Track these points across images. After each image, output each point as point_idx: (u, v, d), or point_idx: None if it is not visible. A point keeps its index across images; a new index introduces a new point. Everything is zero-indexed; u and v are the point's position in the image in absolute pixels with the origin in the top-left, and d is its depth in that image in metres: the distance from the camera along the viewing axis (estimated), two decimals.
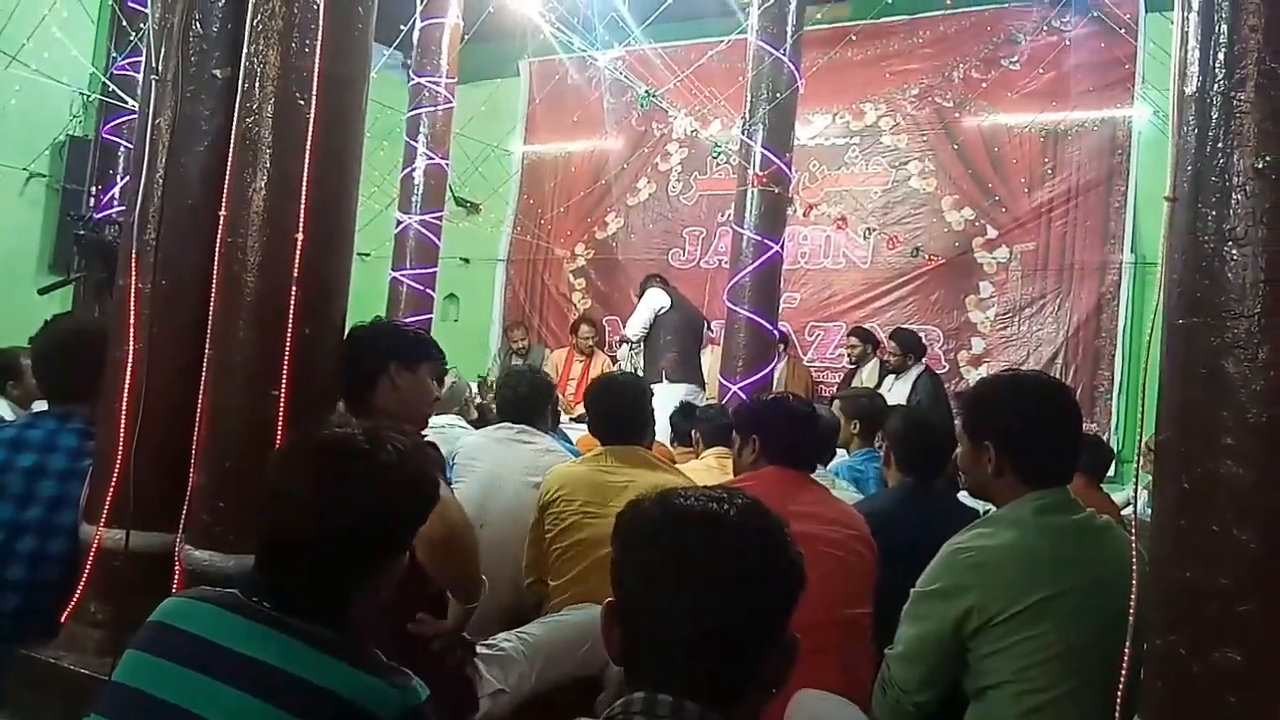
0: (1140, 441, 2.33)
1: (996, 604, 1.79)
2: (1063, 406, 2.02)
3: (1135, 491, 2.60)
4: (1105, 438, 6.37)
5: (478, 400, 5.23)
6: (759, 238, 5.12)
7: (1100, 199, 7.03)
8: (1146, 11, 6.64)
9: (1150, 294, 1.42)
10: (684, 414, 4.44)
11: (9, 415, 3.17)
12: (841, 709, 1.95)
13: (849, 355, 6.86)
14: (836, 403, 4.24)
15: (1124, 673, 1.40)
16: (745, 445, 2.59)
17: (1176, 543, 1.26)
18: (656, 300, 6.30)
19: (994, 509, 2.10)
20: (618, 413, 2.93)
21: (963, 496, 3.43)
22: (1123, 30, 6.55)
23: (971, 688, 1.87)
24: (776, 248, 5.17)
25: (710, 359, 6.34)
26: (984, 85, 7.39)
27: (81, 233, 4.22)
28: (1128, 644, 1.40)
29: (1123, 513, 3.79)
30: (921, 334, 6.79)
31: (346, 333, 2.28)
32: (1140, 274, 6.74)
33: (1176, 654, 1.23)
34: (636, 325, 6.31)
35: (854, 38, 7.02)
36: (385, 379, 2.21)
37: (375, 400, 2.19)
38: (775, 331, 5.36)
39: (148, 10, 2.37)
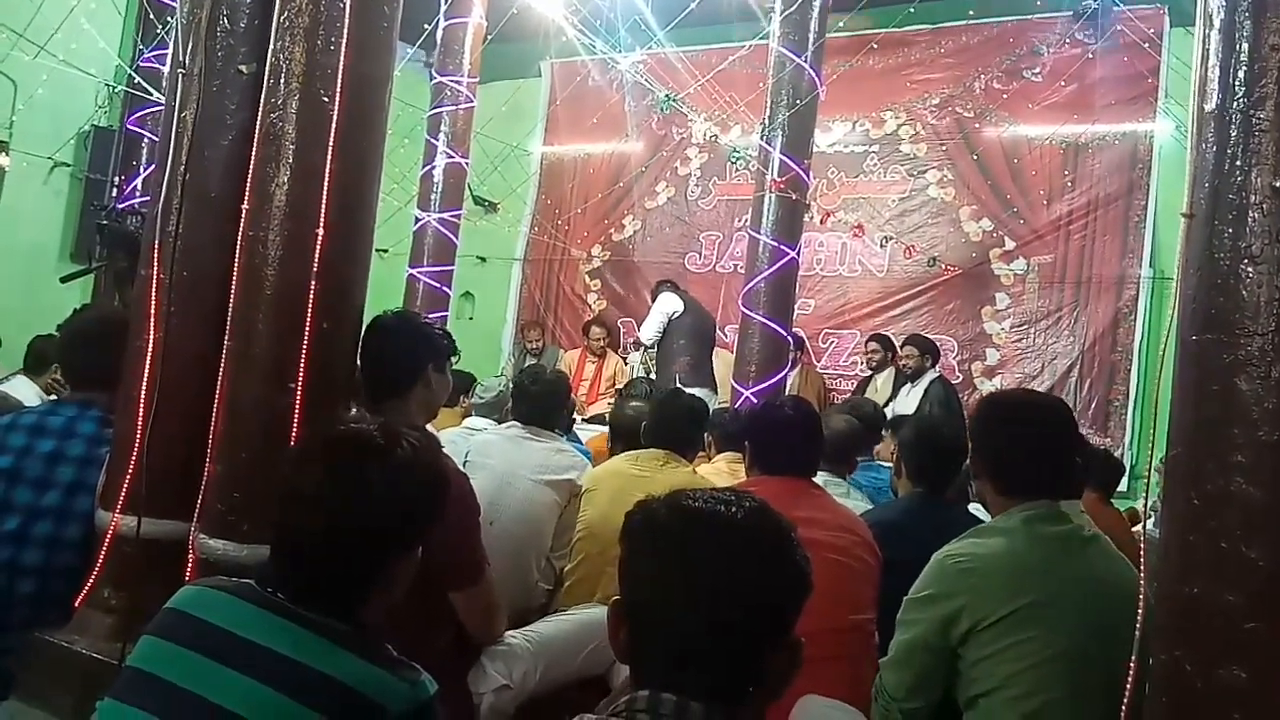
0: (1151, 456, 2.35)
1: (985, 608, 1.83)
2: (1040, 426, 2.04)
3: (1145, 507, 2.60)
4: (1119, 453, 6.34)
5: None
6: (775, 243, 5.12)
7: (1120, 213, 7.00)
8: (1171, 26, 6.62)
9: (1167, 310, 1.42)
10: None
11: (34, 401, 3.22)
12: (846, 716, 1.95)
13: (869, 361, 6.80)
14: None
15: (1129, 688, 1.40)
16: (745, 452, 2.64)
17: (1184, 559, 1.25)
18: (670, 305, 6.31)
19: None
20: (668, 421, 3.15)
21: (973, 508, 3.42)
22: (1146, 45, 6.52)
23: (963, 697, 1.88)
24: (793, 254, 5.17)
25: (721, 363, 6.34)
26: (1005, 96, 7.38)
27: (104, 222, 4.26)
28: (1133, 659, 1.39)
29: (1134, 529, 3.77)
30: (937, 344, 6.77)
31: (371, 326, 2.29)
32: (1158, 289, 6.71)
33: (1182, 670, 1.22)
34: (650, 330, 6.33)
35: (875, 46, 7.01)
36: (421, 383, 2.24)
37: (405, 401, 2.21)
38: (789, 338, 5.36)
39: (175, 4, 2.40)
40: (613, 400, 6.04)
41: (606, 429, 5.37)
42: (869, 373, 6.85)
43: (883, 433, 4.51)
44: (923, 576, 1.94)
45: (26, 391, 3.82)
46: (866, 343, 6.95)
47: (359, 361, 2.26)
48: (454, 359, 2.39)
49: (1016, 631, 1.80)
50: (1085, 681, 1.75)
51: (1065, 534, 1.93)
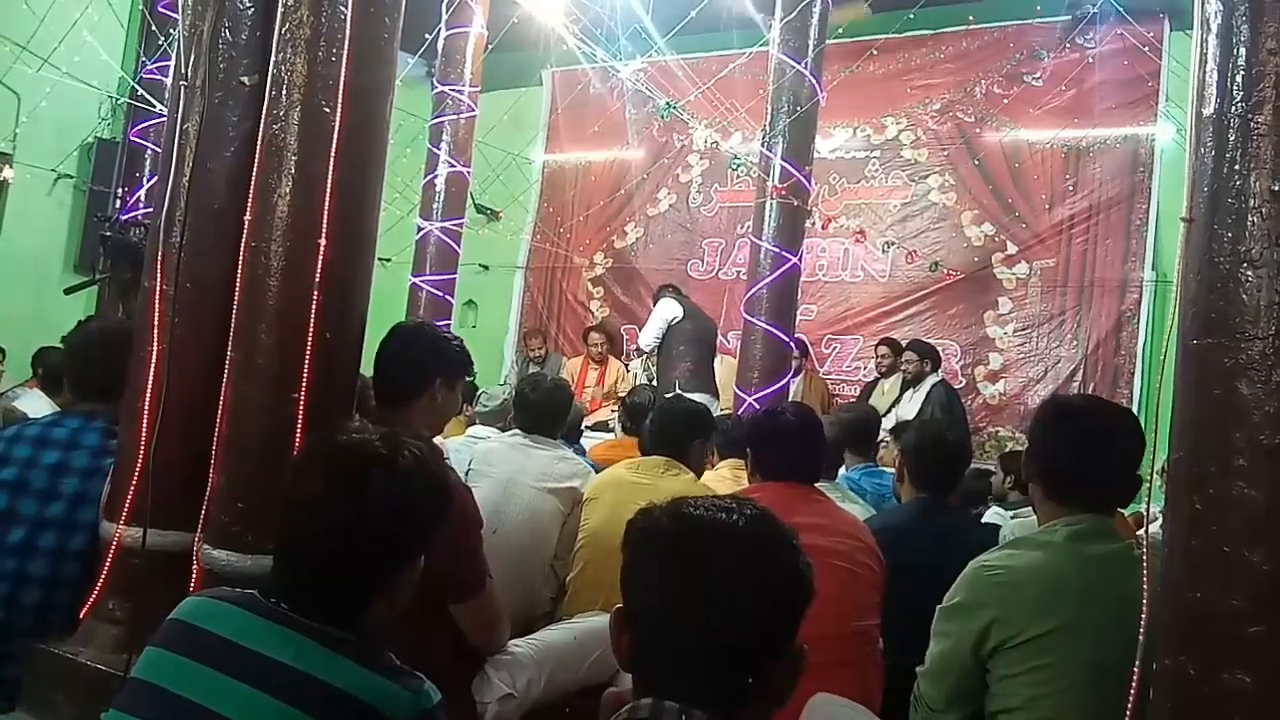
0: (1154, 461, 2.33)
1: (1016, 624, 1.78)
2: (1100, 433, 1.93)
3: (1148, 511, 2.58)
4: None
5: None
6: (777, 250, 5.12)
7: (1122, 216, 7.00)
8: (1171, 30, 6.62)
9: (1170, 313, 1.42)
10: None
11: (45, 410, 3.24)
12: (858, 715, 1.94)
13: (879, 365, 6.75)
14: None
15: (1133, 693, 1.40)
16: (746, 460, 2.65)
17: (1187, 563, 1.25)
18: (669, 311, 6.31)
19: (1018, 527, 2.11)
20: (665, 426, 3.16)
21: (990, 514, 3.42)
22: (1146, 48, 6.53)
23: (987, 711, 1.85)
24: (795, 260, 5.17)
25: (724, 369, 6.34)
26: (1006, 101, 7.39)
27: (107, 234, 4.27)
28: (1137, 664, 1.39)
29: (1138, 533, 3.76)
30: (939, 348, 6.76)
31: (389, 333, 2.29)
32: (1161, 292, 6.70)
33: (1186, 675, 1.22)
34: (649, 336, 6.32)
35: (876, 52, 7.02)
36: (427, 395, 2.24)
37: (409, 412, 2.22)
38: (792, 343, 5.36)
39: (177, 16, 2.40)
40: (615, 407, 6.03)
41: (610, 436, 5.39)
42: (875, 377, 6.82)
43: (884, 437, 4.51)
44: (956, 585, 1.90)
45: (39, 405, 3.82)
46: (877, 347, 6.90)
47: (374, 366, 2.27)
48: (469, 378, 2.38)
49: (1045, 654, 1.74)
50: (1112, 708, 1.70)
51: (1114, 553, 1.84)
